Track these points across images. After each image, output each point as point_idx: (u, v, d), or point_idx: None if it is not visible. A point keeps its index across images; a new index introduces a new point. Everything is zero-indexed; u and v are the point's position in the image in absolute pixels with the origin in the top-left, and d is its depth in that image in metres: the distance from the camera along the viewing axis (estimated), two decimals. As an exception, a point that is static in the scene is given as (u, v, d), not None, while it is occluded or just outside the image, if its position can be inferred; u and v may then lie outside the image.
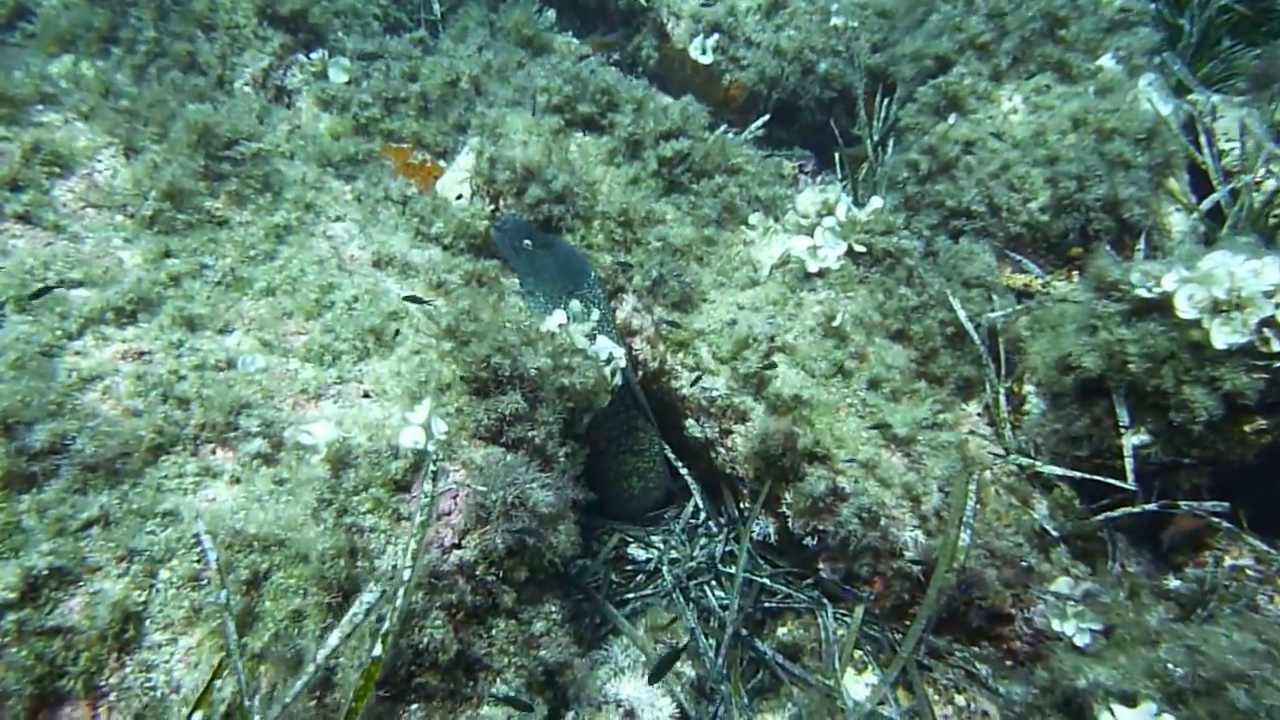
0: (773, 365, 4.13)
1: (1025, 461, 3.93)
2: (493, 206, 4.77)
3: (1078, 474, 3.75)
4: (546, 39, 6.56)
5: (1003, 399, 4.15)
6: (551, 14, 6.85)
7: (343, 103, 5.77)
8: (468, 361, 3.35)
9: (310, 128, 5.46)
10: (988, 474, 3.94)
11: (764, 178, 4.99)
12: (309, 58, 5.94)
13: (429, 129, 5.71)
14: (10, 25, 6.12)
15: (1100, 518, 3.69)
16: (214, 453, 2.99)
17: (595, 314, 4.27)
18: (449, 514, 3.05)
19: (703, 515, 4.58)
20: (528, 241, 4.40)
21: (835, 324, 4.17)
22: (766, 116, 5.82)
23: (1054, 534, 3.78)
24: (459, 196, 4.97)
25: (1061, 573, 3.69)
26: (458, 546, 3.02)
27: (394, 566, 2.79)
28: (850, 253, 4.46)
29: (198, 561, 2.60)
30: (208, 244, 3.72)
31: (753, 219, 4.73)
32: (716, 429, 4.35)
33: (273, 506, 2.79)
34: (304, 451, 2.97)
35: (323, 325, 3.59)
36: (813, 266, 4.40)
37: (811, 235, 4.53)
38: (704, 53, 6.61)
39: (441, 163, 5.69)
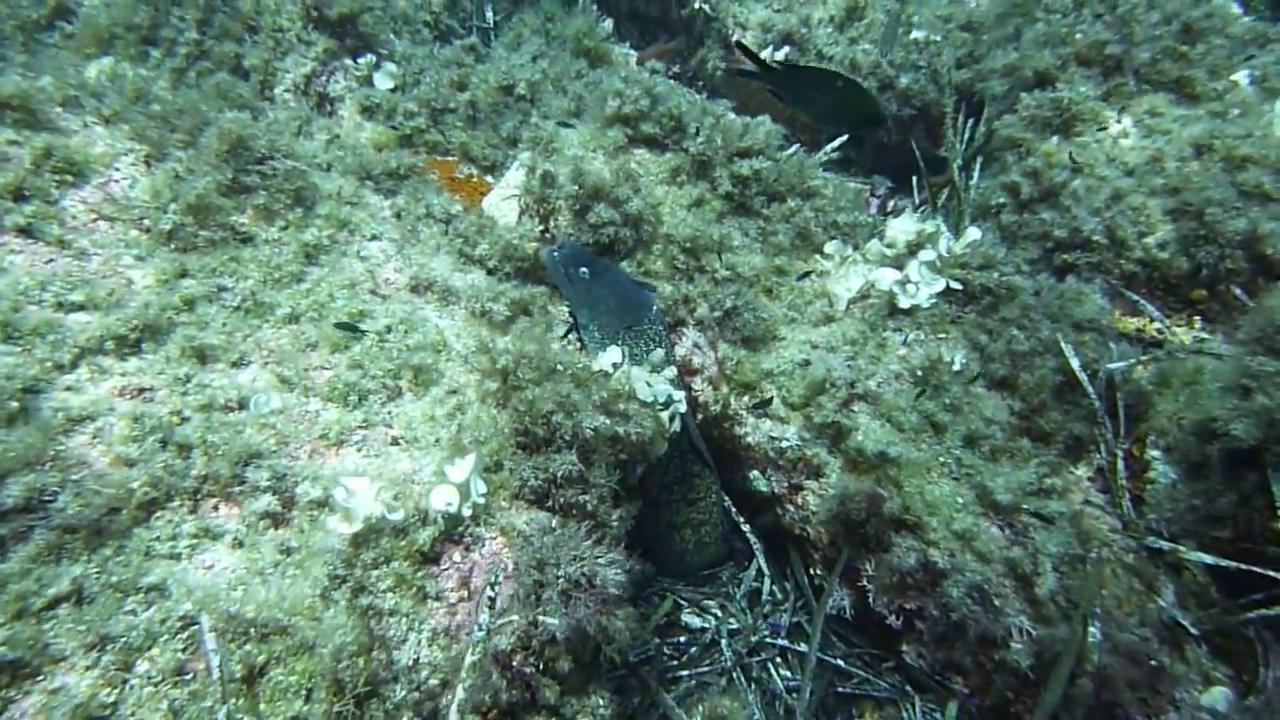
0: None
1: (1165, 545, 3.37)
2: (542, 227, 4.34)
3: (1231, 563, 3.18)
4: (605, 50, 6.15)
5: (1121, 464, 3.59)
6: (609, 24, 6.44)
7: (387, 111, 5.42)
8: (521, 412, 2.91)
9: (350, 137, 5.10)
10: (1105, 551, 3.39)
11: (842, 202, 4.50)
12: (355, 63, 5.59)
13: (477, 141, 5.32)
14: (50, 24, 5.89)
15: (1254, 615, 3.12)
16: (216, 509, 2.59)
17: (659, 353, 3.82)
18: (481, 592, 2.61)
19: (766, 580, 4.08)
20: (584, 269, 3.97)
21: (933, 369, 3.66)
22: (846, 136, 5.34)
23: (1191, 630, 3.22)
24: (512, 216, 4.56)
25: (1201, 676, 3.13)
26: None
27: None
28: (945, 290, 3.95)
29: (184, 650, 2.18)
30: (228, 263, 3.34)
31: (829, 247, 4.24)
32: (785, 483, 3.86)
33: (277, 582, 2.36)
34: (325, 512, 2.55)
35: (350, 360, 3.19)
36: (903, 302, 3.89)
37: (899, 267, 4.03)
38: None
39: (489, 178, 5.29)
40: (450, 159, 5.41)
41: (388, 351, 3.26)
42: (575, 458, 2.87)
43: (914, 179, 5.70)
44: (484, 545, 2.71)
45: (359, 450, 2.92)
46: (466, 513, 2.68)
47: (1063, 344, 3.78)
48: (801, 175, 4.44)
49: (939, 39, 5.81)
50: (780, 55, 6.07)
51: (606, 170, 4.17)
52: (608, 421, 3.08)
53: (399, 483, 2.79)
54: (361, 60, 5.55)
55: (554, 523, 2.84)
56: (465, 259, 4.13)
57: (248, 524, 2.55)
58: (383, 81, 5.58)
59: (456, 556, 2.67)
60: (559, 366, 3.10)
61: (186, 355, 2.90)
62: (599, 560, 2.67)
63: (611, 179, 4.14)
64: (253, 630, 2.19)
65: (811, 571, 3.91)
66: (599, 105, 4.53)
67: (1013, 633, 3.25)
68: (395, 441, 3.00)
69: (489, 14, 6.93)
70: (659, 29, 6.77)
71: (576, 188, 4.08)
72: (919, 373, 3.74)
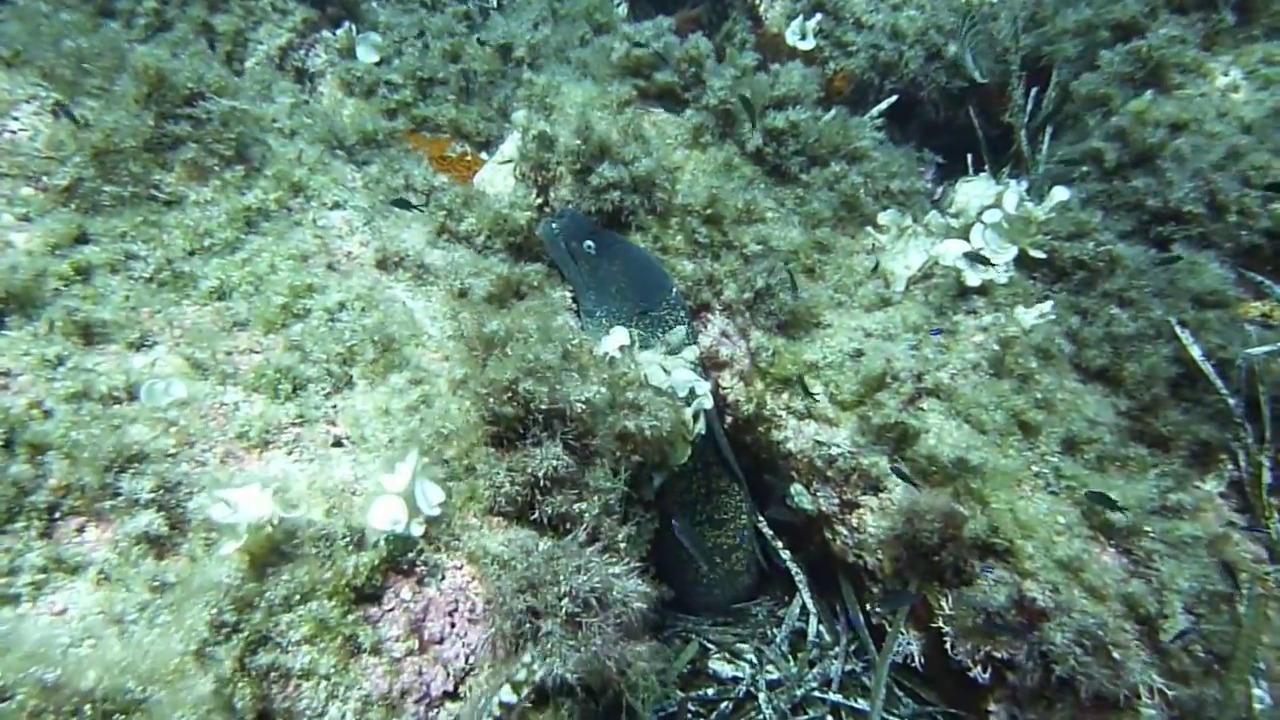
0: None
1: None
2: (540, 199, 3.68)
3: None
4: (616, 22, 5.51)
5: (1267, 474, 2.84)
6: (623, 9, 5.79)
7: (370, 85, 4.80)
8: (483, 391, 2.22)
9: (323, 106, 4.49)
10: (1258, 586, 2.63)
11: (896, 166, 3.80)
12: (334, 35, 4.99)
13: (469, 115, 4.68)
14: None
15: None
16: (81, 532, 1.90)
17: (678, 332, 3.13)
18: (440, 641, 1.90)
19: (812, 619, 3.33)
20: (589, 243, 3.31)
21: (1014, 356, 2.94)
22: (893, 98, 4.66)
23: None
24: (505, 187, 3.90)
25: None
26: (451, 696, 1.87)
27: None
28: (1024, 260, 3.23)
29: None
30: (143, 227, 2.69)
31: (884, 218, 3.54)
32: (836, 500, 3.13)
33: (140, 633, 1.67)
34: (216, 535, 1.86)
35: (288, 340, 2.52)
36: (972, 279, 3.18)
37: (968, 237, 3.32)
38: (803, 37, 5.47)
39: (484, 155, 4.65)
40: (440, 136, 4.77)
41: (337, 332, 2.59)
42: (561, 449, 2.17)
43: (969, 157, 4.99)
44: (444, 577, 2.01)
45: (289, 453, 2.24)
46: (418, 531, 1.98)
47: (1176, 327, 3.05)
48: (846, 135, 3.75)
49: (995, 0, 5.14)
50: (812, 24, 5.41)
51: (614, 129, 3.50)
52: (604, 393, 2.39)
53: (334, 493, 2.10)
54: (339, 31, 4.94)
55: (541, 543, 2.13)
56: (448, 234, 3.48)
57: (120, 552, 1.87)
58: (366, 54, 4.96)
59: (405, 593, 1.97)
60: (542, 336, 2.42)
61: (65, 333, 2.24)
62: (612, 571, 1.98)
63: (619, 137, 3.46)
64: (88, 709, 1.49)
65: (869, 609, 3.17)
66: (603, 56, 3.88)
67: (1140, 692, 2.49)
68: (338, 442, 2.32)
69: (492, -5, 6.33)
70: (678, 5, 6.14)
71: (580, 143, 3.40)
72: (993, 353, 3.01)
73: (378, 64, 4.90)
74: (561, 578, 1.90)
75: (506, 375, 2.15)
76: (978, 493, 2.75)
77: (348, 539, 1.90)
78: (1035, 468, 2.82)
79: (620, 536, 2.28)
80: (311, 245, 3.00)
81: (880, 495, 2.99)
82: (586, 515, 2.16)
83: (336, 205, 3.27)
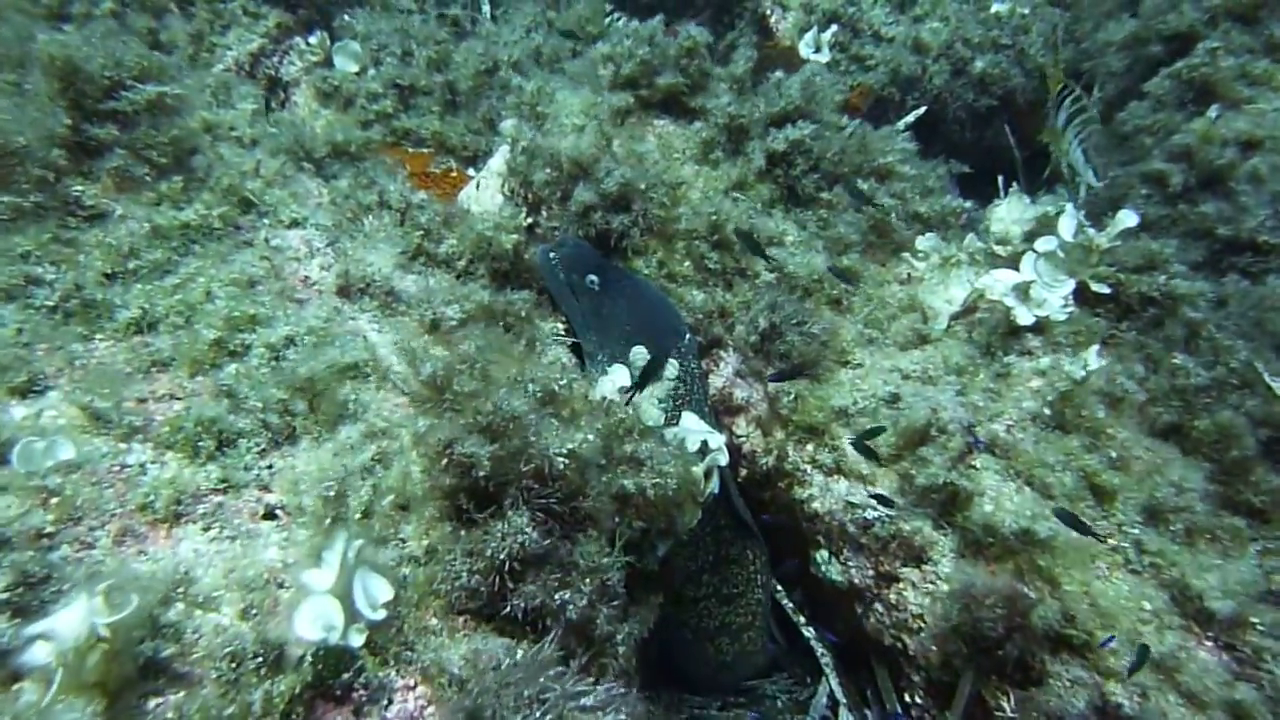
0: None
1: None
2: (530, 219, 3.25)
3: None
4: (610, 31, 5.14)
5: (1389, 551, 2.40)
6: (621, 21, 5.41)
7: (348, 96, 4.39)
8: (435, 444, 1.77)
9: (292, 116, 4.07)
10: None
11: (928, 183, 3.40)
12: (308, 42, 4.59)
13: (455, 128, 4.26)
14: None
15: None
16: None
17: (673, 370, 2.71)
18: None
19: (842, 711, 2.86)
20: (593, 277, 2.89)
21: (1067, 399, 2.51)
22: (922, 109, 4.27)
23: None
24: (492, 206, 3.48)
25: None
26: None
27: None
28: (1085, 295, 2.81)
29: None
30: (52, 246, 2.26)
31: (922, 243, 3.12)
32: (871, 571, 2.68)
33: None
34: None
35: (216, 385, 2.07)
36: (1024, 316, 2.75)
37: (1017, 266, 2.90)
38: (817, 50, 5.10)
39: (471, 171, 4.24)
40: (423, 150, 4.35)
41: (280, 373, 2.14)
42: (530, 521, 1.72)
43: (999, 179, 4.59)
44: (391, 702, 1.54)
45: (205, 528, 1.78)
46: (357, 641, 1.52)
47: (1265, 375, 2.62)
48: (867, 150, 3.34)
49: (1026, 11, 4.77)
50: (827, 36, 5.03)
51: (588, 140, 3.08)
52: (596, 443, 1.95)
53: (255, 586, 1.64)
54: (313, 39, 4.54)
55: (517, 653, 1.67)
56: (425, 257, 3.04)
57: (-42, 670, 1.40)
58: (344, 63, 4.55)
59: (339, 726, 1.50)
60: (525, 381, 1.98)
61: (-75, 374, 1.79)
62: (583, 703, 1.52)
63: (594, 150, 3.04)
64: None
65: (909, 699, 2.70)
66: (591, 73, 3.47)
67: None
68: (270, 513, 1.86)
69: (485, 6, 5.94)
70: (683, 14, 5.76)
71: (551, 171, 3.01)
72: (1049, 404, 2.58)
73: (357, 74, 4.50)
74: (510, 712, 1.44)
75: (442, 434, 1.70)
76: (1046, 571, 2.29)
77: (261, 658, 1.44)
78: (1112, 541, 2.37)
79: (620, 636, 1.81)
80: (260, 269, 2.56)
81: (925, 568, 2.53)
82: (571, 607, 1.70)
83: (295, 223, 2.84)
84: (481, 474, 1.70)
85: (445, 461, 1.71)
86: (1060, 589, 2.27)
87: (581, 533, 1.90)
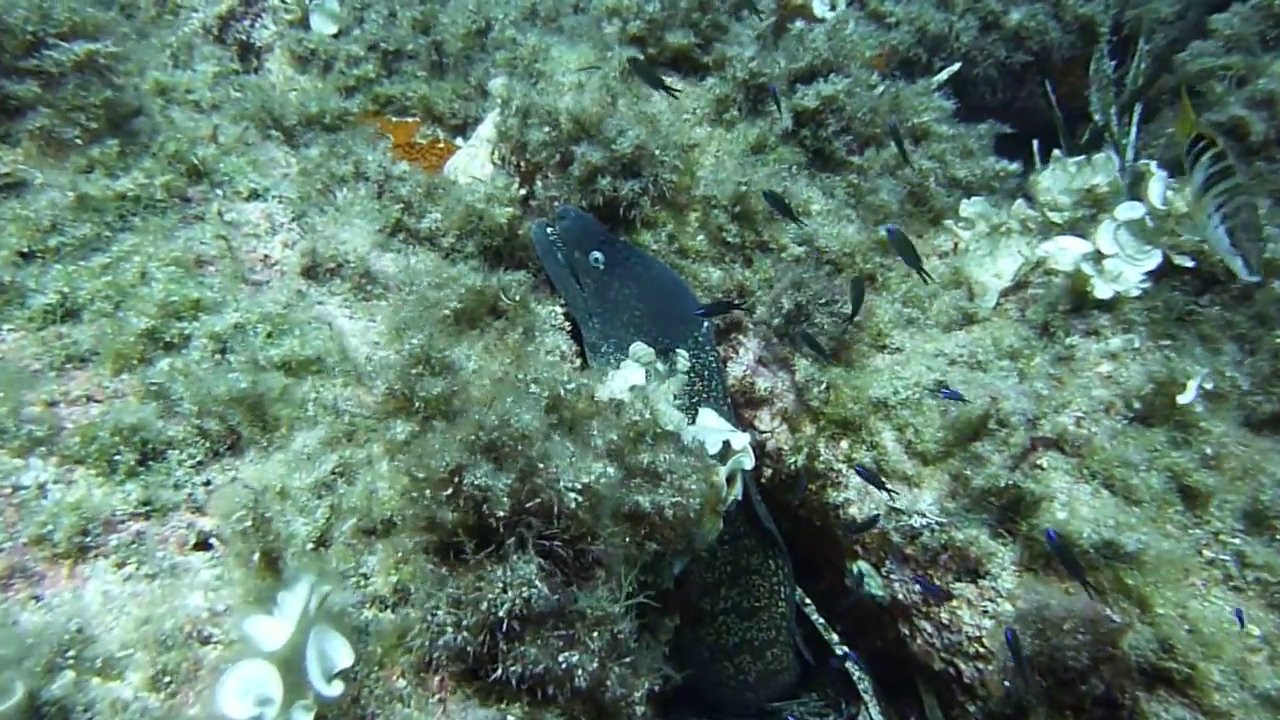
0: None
1: None
2: (524, 190, 2.90)
3: None
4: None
5: None
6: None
7: (326, 59, 4.01)
8: (415, 478, 1.42)
9: (264, 81, 3.71)
10: None
11: (968, 145, 3.03)
12: (284, 1, 4.21)
13: (443, 93, 3.88)
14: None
15: None
16: None
17: (684, 363, 2.36)
18: None
19: (886, 743, 2.53)
20: (596, 255, 2.54)
21: (1160, 396, 2.15)
22: (956, 66, 3.88)
23: None
24: (482, 174, 3.12)
25: None
26: None
27: None
28: (1166, 267, 2.44)
29: None
30: (-46, 221, 1.91)
31: (968, 208, 2.76)
32: (917, 586, 2.34)
33: None
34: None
35: (144, 384, 1.72)
36: (1102, 289, 2.38)
37: (1082, 235, 2.54)
38: (833, 7, 4.69)
39: (459, 140, 3.86)
40: (408, 119, 3.98)
41: (223, 370, 1.79)
42: (538, 570, 1.36)
43: (1035, 143, 4.20)
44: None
45: (119, 564, 1.44)
46: (301, 724, 1.18)
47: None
48: (900, 108, 2.98)
49: (1061, -42, 4.37)
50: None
51: (591, 98, 2.71)
52: (612, 474, 1.59)
53: (174, 643, 1.30)
54: (291, -5, 4.16)
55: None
56: (405, 234, 2.70)
57: None
58: (322, 24, 4.17)
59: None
60: (527, 383, 1.63)
61: None
62: None
63: (597, 109, 2.67)
64: None
65: (962, 732, 2.36)
66: (591, 27, 3.10)
67: None
68: (203, 543, 1.51)
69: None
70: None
71: (549, 130, 2.63)
72: (1136, 403, 2.22)
73: (335, 36, 4.12)
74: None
75: (446, 459, 1.34)
76: (1136, 591, 1.95)
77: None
78: (1209, 552, 2.02)
79: (636, 696, 1.46)
80: (211, 247, 2.21)
81: (981, 583, 2.19)
82: (581, 673, 1.35)
83: (255, 195, 2.49)
84: (499, 514, 1.34)
85: (450, 491, 1.35)
86: (1152, 611, 1.93)
87: (590, 575, 1.55)
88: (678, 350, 2.45)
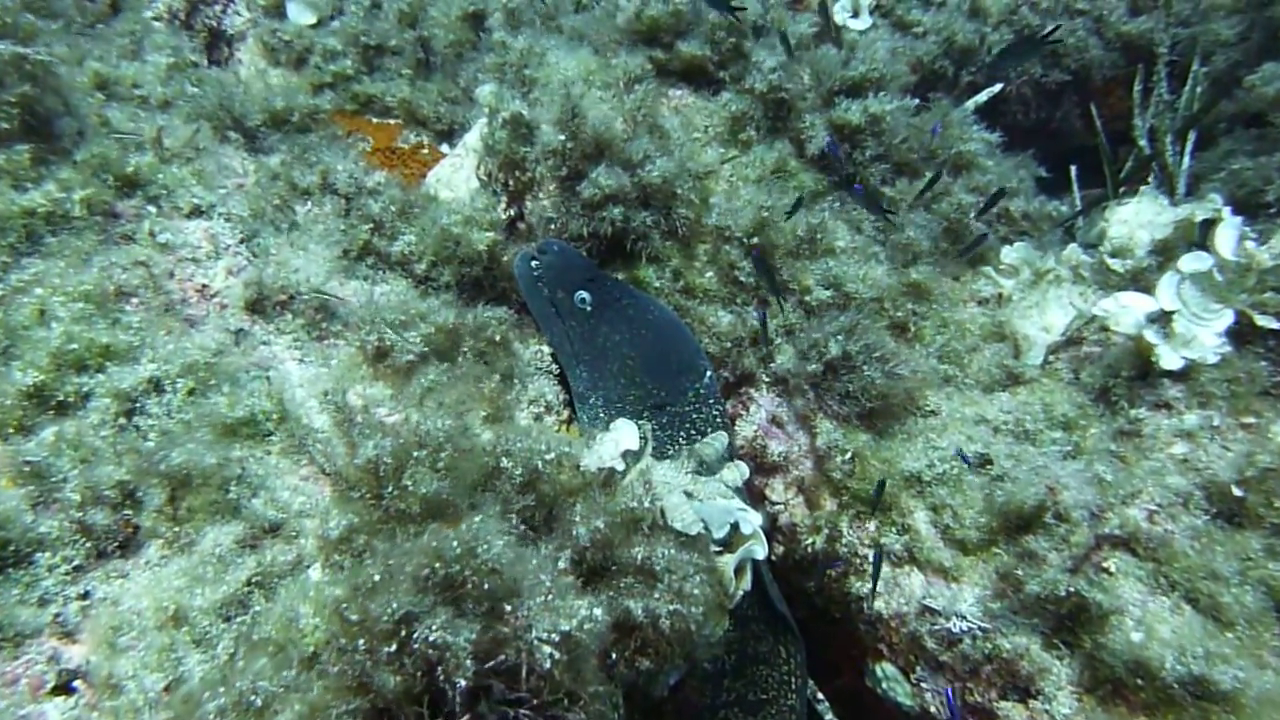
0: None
1: None
2: (511, 210, 2.56)
3: None
4: None
5: None
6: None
7: (301, 52, 3.66)
8: (349, 624, 1.07)
9: (229, 76, 3.35)
10: None
11: (1012, 181, 2.71)
12: (260, -15, 3.86)
13: (428, 94, 3.53)
14: None
15: None
16: None
17: (721, 439, 2.01)
18: None
19: None
20: (583, 294, 2.20)
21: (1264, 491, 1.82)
22: (997, 87, 3.55)
23: None
24: (465, 191, 2.77)
25: None
26: None
27: None
28: (1240, 328, 2.11)
29: None
30: None
31: (1011, 255, 2.43)
32: (955, 699, 2.00)
33: None
34: None
35: (17, 461, 1.37)
36: (1170, 359, 2.05)
37: (1142, 288, 2.21)
38: (855, 14, 4.36)
39: (445, 147, 3.51)
40: (391, 121, 3.63)
41: (127, 442, 1.45)
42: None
43: (1072, 169, 3.87)
44: None
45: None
46: None
47: None
48: (947, 135, 2.64)
49: (1103, -29, 4.05)
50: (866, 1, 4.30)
51: (617, 115, 2.37)
52: (601, 615, 1.25)
53: None
54: (267, -21, 3.80)
55: None
56: (373, 257, 2.36)
57: None
58: (300, 14, 3.82)
59: None
60: (503, 460, 1.30)
61: None
62: None
63: (624, 127, 2.34)
64: None
65: None
66: (606, 16, 2.75)
67: None
68: (63, 686, 1.17)
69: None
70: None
71: (564, 137, 2.28)
72: (1218, 494, 1.89)
73: (313, 26, 3.78)
74: None
75: (391, 604, 1.00)
76: (1226, 734, 1.62)
77: None
78: (1311, 689, 1.69)
79: None
80: (132, 275, 1.86)
81: (1032, 704, 1.86)
82: None
83: (198, 211, 2.15)
84: (463, 681, 1.00)
85: (395, 648, 1.01)
86: (1247, 763, 1.60)
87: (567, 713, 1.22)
88: (709, 429, 2.10)
